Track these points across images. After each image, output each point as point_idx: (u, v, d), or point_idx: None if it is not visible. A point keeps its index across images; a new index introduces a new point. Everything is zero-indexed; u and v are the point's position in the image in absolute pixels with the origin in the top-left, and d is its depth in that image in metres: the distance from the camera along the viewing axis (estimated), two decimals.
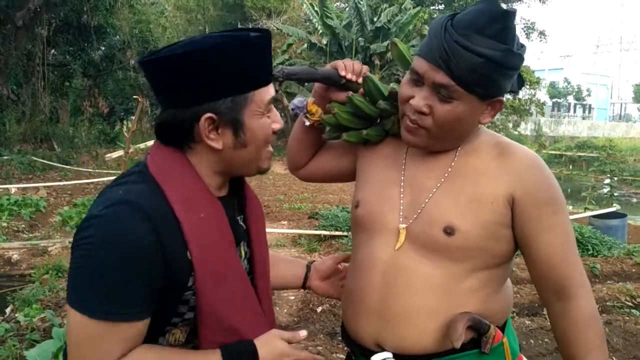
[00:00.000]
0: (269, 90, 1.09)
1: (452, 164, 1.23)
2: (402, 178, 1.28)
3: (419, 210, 1.21)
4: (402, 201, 1.25)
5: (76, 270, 0.97)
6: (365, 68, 1.36)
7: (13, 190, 9.03)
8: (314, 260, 1.55)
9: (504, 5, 1.11)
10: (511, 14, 1.10)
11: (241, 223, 1.21)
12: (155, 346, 1.04)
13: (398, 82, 1.33)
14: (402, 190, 1.26)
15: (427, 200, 1.21)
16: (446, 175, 1.22)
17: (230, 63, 1.02)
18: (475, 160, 1.23)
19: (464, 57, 1.09)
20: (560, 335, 1.22)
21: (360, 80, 1.33)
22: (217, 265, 1.04)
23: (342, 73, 1.32)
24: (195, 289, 1.02)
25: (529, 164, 1.20)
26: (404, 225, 1.21)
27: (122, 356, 0.97)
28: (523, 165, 1.20)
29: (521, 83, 1.23)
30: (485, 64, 1.09)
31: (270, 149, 1.16)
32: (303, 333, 1.15)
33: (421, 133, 1.19)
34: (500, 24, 1.09)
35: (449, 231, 1.16)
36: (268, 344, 1.09)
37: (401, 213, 1.24)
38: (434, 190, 1.21)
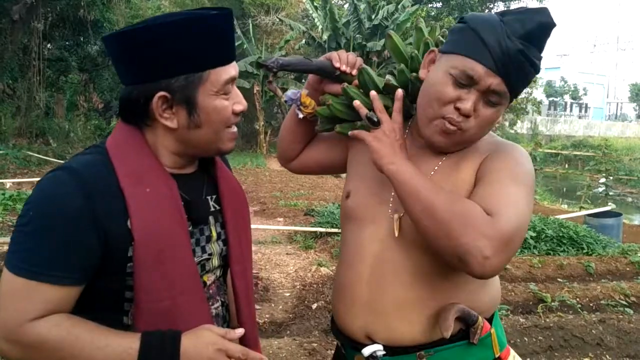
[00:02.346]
0: (228, 71, 1.07)
1: (440, 162, 1.24)
2: None
3: None
4: (392, 195, 1.25)
5: (13, 234, 0.99)
6: (360, 60, 1.35)
7: (8, 185, 8.99)
8: None
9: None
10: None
11: (212, 203, 1.20)
12: (76, 317, 0.99)
13: (392, 74, 1.32)
14: None
15: None
16: (436, 168, 1.23)
17: (185, 41, 1.01)
18: (464, 156, 1.23)
19: (523, 67, 1.11)
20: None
21: (354, 72, 1.32)
22: (158, 241, 1.02)
23: (337, 65, 1.32)
24: (134, 262, 1.01)
25: (505, 146, 1.22)
26: (397, 215, 1.21)
27: (40, 317, 0.96)
28: (498, 147, 1.21)
29: None
30: (532, 73, 1.14)
31: (234, 129, 1.14)
32: (239, 331, 1.08)
33: (456, 135, 1.17)
34: (548, 36, 1.14)
35: None
36: (195, 333, 1.02)
37: (390, 205, 1.24)
38: None
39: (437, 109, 1.17)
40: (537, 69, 1.14)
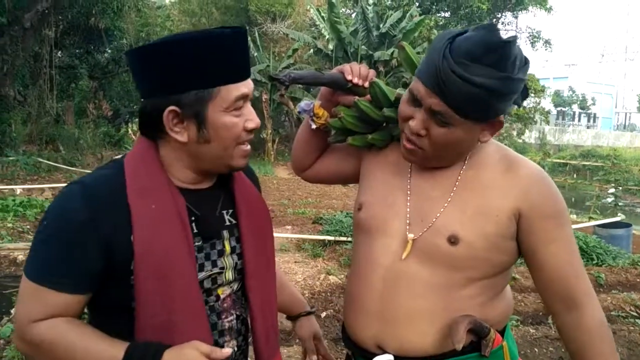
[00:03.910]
0: (239, 88, 1.09)
1: (459, 177, 1.25)
2: (409, 186, 1.29)
3: (430, 224, 1.22)
4: (408, 209, 1.26)
5: (32, 241, 1.07)
6: (372, 72, 1.36)
7: (18, 191, 9.06)
8: (314, 312, 1.62)
9: (503, 34, 1.09)
10: (509, 44, 1.08)
11: (228, 217, 1.22)
12: (75, 321, 1.06)
13: (405, 86, 1.33)
14: (408, 197, 1.27)
15: (438, 215, 1.22)
16: (455, 188, 1.24)
17: (196, 57, 1.04)
18: (482, 173, 1.25)
19: (459, 86, 1.07)
20: (574, 345, 1.23)
21: (366, 84, 1.33)
22: (157, 256, 1.05)
23: (349, 77, 1.33)
24: (134, 276, 1.04)
25: (535, 179, 1.23)
26: (412, 236, 1.22)
27: (41, 320, 1.03)
28: (529, 180, 1.22)
29: (525, 95, 1.21)
30: (481, 93, 1.08)
31: (246, 147, 1.15)
32: (226, 351, 1.06)
33: (418, 152, 1.21)
34: (498, 54, 1.07)
35: (452, 240, 1.18)
36: (180, 348, 1.03)
37: (408, 221, 1.25)
38: (445, 204, 1.22)
39: (400, 124, 1.23)
40: (488, 88, 1.08)
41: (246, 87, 1.10)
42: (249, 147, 1.16)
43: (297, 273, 5.33)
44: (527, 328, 3.91)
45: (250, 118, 1.12)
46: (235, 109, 1.09)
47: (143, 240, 1.04)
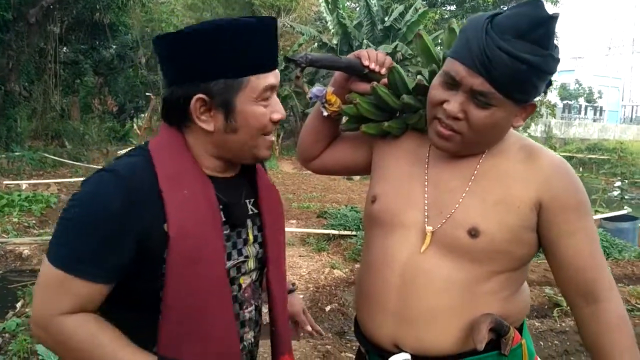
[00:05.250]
0: (268, 78, 1.08)
1: (478, 166, 1.21)
2: (426, 176, 1.25)
3: (448, 215, 1.18)
4: (426, 200, 1.22)
5: (56, 226, 1.03)
6: (390, 59, 1.33)
7: (24, 186, 9.10)
8: (295, 289, 1.63)
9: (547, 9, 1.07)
10: (555, 19, 1.06)
11: (251, 207, 1.21)
12: (103, 322, 1.03)
13: (422, 75, 1.31)
14: (426, 188, 1.24)
15: (457, 206, 1.18)
16: (473, 177, 1.20)
17: (227, 45, 1.03)
18: (502, 162, 1.21)
19: (506, 63, 1.05)
20: (592, 339, 1.19)
21: (383, 71, 1.30)
22: (191, 241, 1.04)
23: (366, 63, 1.30)
24: (166, 262, 1.02)
25: (556, 168, 1.19)
26: (431, 228, 1.19)
27: (68, 313, 1.00)
28: (550, 170, 1.19)
29: (549, 84, 1.19)
30: (527, 70, 1.06)
31: (271, 138, 1.15)
32: None
33: (455, 139, 1.17)
34: (544, 29, 1.05)
35: (473, 233, 1.15)
36: None
37: (426, 213, 1.21)
38: (463, 194, 1.19)
39: (430, 110, 1.18)
40: (533, 65, 1.06)
41: (274, 77, 1.10)
42: (273, 137, 1.16)
43: (301, 267, 5.33)
44: (532, 321, 3.90)
45: (276, 109, 1.12)
46: (263, 99, 1.09)
47: (177, 225, 1.02)
